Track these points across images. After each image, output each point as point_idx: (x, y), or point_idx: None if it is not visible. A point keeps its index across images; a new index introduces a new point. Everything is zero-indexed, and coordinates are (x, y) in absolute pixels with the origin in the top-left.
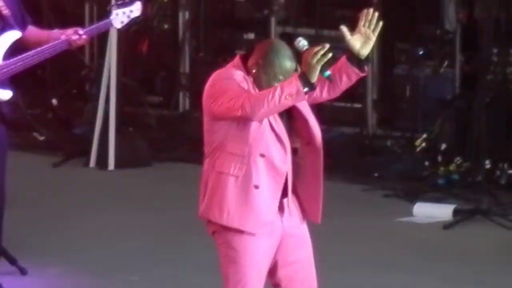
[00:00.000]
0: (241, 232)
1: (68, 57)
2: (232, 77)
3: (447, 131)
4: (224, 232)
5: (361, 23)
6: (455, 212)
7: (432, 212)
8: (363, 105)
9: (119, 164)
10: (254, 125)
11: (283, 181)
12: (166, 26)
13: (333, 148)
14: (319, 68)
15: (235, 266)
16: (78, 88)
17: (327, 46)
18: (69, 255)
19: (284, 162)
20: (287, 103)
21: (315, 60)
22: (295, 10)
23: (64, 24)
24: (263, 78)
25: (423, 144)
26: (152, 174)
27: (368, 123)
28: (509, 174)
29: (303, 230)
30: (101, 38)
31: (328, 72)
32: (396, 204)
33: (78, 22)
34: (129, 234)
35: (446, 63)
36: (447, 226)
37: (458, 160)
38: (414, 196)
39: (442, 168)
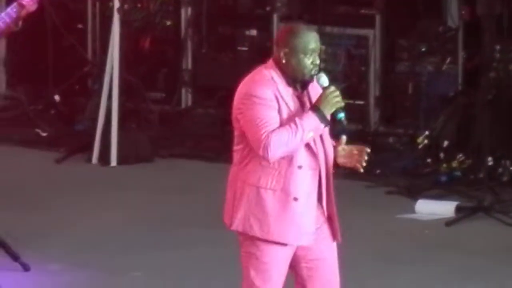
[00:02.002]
0: (279, 244)
1: (71, 53)
2: (263, 96)
3: (449, 128)
4: (256, 243)
5: (356, 153)
6: (457, 209)
7: (434, 209)
8: (365, 102)
9: (121, 160)
10: None
11: (316, 191)
12: (168, 23)
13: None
14: (335, 107)
15: (263, 274)
16: (81, 84)
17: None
18: (71, 251)
19: (316, 171)
20: (306, 139)
21: (336, 99)
22: (297, 6)
23: (66, 20)
24: (293, 63)
25: (425, 141)
26: (154, 170)
27: (370, 120)
28: (511, 171)
29: (326, 230)
30: (104, 35)
31: (341, 115)
32: (398, 201)
33: (80, 18)
34: (132, 230)
35: (448, 60)
36: (449, 223)
37: (460, 157)
38: (416, 193)
39: (444, 165)
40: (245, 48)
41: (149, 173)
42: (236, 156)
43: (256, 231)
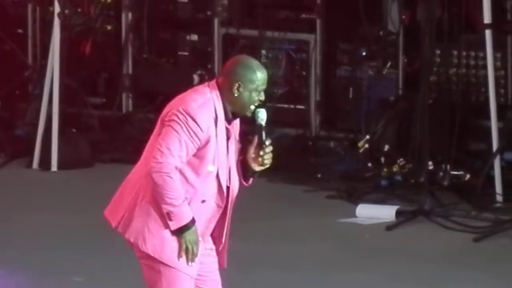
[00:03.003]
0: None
1: (11, 57)
2: (198, 123)
3: (390, 132)
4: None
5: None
6: (398, 213)
7: (375, 213)
8: (306, 106)
9: (62, 165)
10: (204, 169)
11: (213, 225)
12: (109, 27)
13: (276, 149)
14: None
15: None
16: (21, 89)
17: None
18: (12, 256)
19: (220, 206)
20: (166, 209)
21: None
22: (238, 11)
23: (6, 25)
24: (245, 98)
25: (366, 145)
26: (94, 175)
27: (311, 125)
28: (452, 176)
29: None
30: (44, 39)
31: (262, 116)
32: (339, 205)
33: (20, 22)
34: (72, 235)
35: (389, 64)
36: (390, 227)
37: (401, 161)
38: (357, 197)
39: (385, 169)
40: (185, 53)
41: (90, 178)
42: (147, 159)
43: (149, 249)
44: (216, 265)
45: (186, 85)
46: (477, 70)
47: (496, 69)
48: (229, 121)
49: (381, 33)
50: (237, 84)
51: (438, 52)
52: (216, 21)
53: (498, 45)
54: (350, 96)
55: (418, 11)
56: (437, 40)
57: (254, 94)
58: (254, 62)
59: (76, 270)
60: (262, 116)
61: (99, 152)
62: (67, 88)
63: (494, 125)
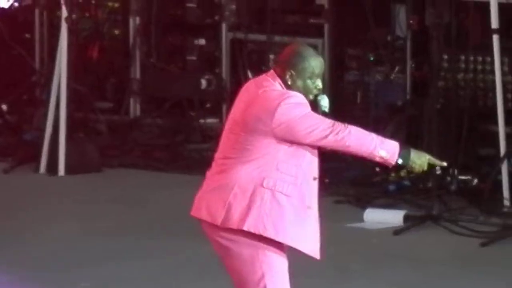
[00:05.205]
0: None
1: (19, 62)
2: (301, 100)
3: (398, 137)
4: (265, 243)
5: None
6: (406, 218)
7: (383, 218)
8: (315, 111)
9: (69, 170)
10: (308, 148)
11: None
12: (116, 32)
13: None
14: (419, 165)
15: (270, 271)
16: (28, 94)
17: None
18: (20, 262)
19: (316, 178)
20: (374, 154)
21: (423, 162)
22: (246, 16)
23: (14, 30)
24: (299, 85)
25: None
26: (102, 180)
27: None
28: (460, 180)
29: None
30: (52, 44)
31: (325, 103)
32: (347, 210)
33: (28, 27)
34: (80, 240)
35: (397, 69)
36: (397, 232)
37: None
38: (365, 202)
39: (393, 174)
40: (193, 58)
41: (98, 183)
42: (244, 154)
43: (272, 234)
44: None
45: (194, 90)
46: (484, 75)
47: (503, 74)
48: None
49: (389, 38)
50: (289, 73)
51: (445, 57)
52: (224, 25)
53: (506, 50)
54: (358, 100)
55: (426, 16)
56: (445, 45)
57: (309, 82)
58: (306, 50)
59: (83, 276)
60: (325, 103)
61: (107, 157)
62: (75, 92)
63: (502, 130)
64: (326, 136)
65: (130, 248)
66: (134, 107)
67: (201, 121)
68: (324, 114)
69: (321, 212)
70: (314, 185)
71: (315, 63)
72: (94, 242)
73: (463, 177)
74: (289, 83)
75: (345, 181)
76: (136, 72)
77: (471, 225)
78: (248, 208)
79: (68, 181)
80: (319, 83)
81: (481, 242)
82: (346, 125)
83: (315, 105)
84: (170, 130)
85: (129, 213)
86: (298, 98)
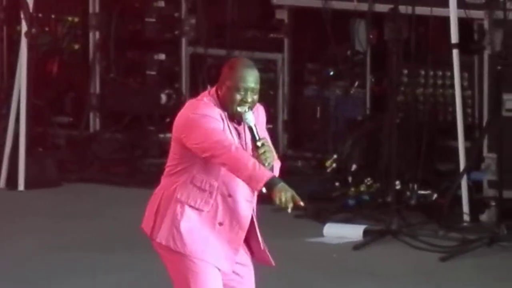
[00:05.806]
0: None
1: None
2: (209, 114)
3: (358, 152)
4: (184, 257)
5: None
6: (365, 232)
7: (343, 232)
8: (273, 126)
9: (29, 184)
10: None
11: (247, 222)
12: (76, 47)
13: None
14: (283, 203)
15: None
16: None
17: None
18: None
19: (250, 202)
20: (245, 179)
21: (288, 201)
22: (206, 31)
23: None
24: (224, 94)
25: (334, 165)
26: (62, 195)
27: (278, 144)
28: (419, 195)
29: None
30: (11, 59)
31: (249, 117)
32: (306, 225)
33: None
34: (40, 255)
35: (356, 83)
36: (357, 246)
37: (368, 180)
38: (324, 217)
39: (352, 189)
40: (153, 72)
41: (57, 198)
42: (169, 170)
43: (179, 247)
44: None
45: (154, 104)
46: (444, 90)
47: (463, 88)
48: (232, 120)
49: (348, 52)
50: (220, 84)
51: (405, 71)
52: (183, 40)
53: (465, 65)
54: (318, 115)
55: (385, 31)
56: (404, 60)
57: (235, 93)
58: (241, 62)
59: None
60: (249, 117)
61: (66, 172)
62: (34, 107)
63: (461, 145)
64: (208, 151)
65: (89, 263)
66: (94, 122)
67: (161, 135)
68: (250, 128)
69: (281, 227)
70: (231, 202)
71: (242, 75)
72: (53, 258)
73: (422, 192)
74: (219, 92)
75: (304, 196)
76: (96, 86)
77: (431, 240)
78: (162, 220)
79: (27, 195)
80: (248, 97)
81: (441, 256)
82: (236, 147)
83: (237, 118)
84: (129, 144)
85: (88, 227)
86: (206, 110)
